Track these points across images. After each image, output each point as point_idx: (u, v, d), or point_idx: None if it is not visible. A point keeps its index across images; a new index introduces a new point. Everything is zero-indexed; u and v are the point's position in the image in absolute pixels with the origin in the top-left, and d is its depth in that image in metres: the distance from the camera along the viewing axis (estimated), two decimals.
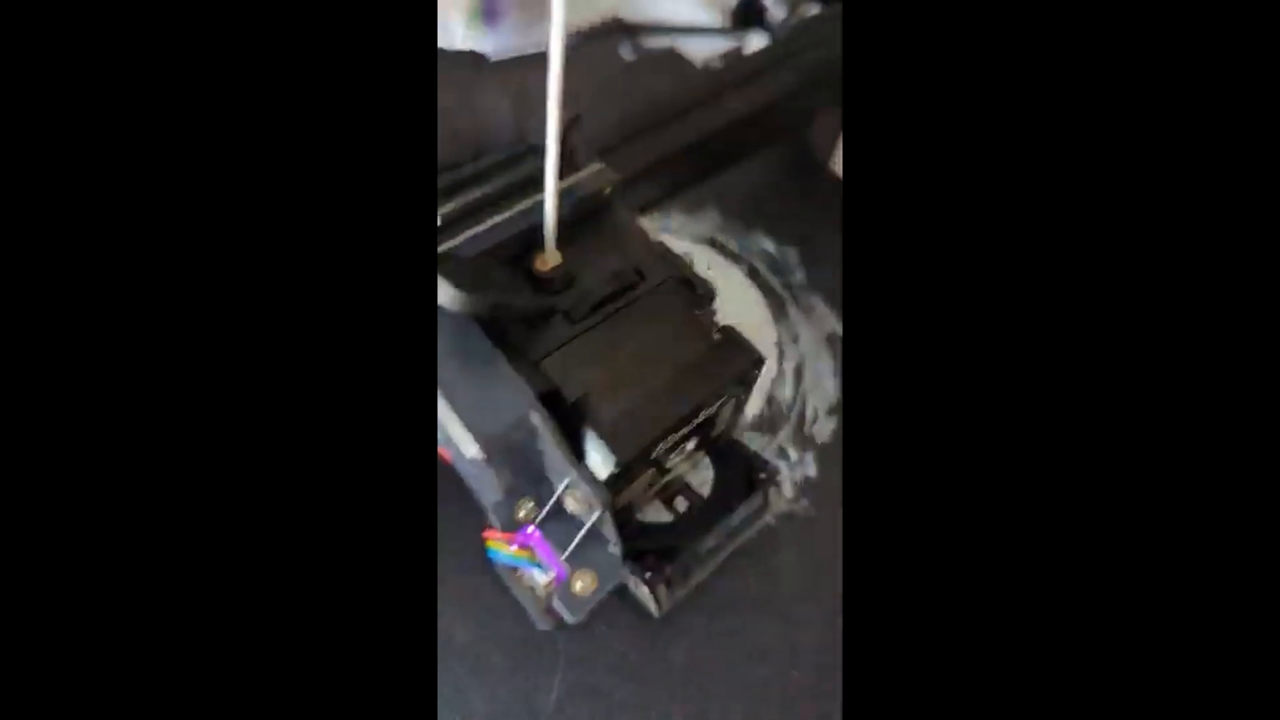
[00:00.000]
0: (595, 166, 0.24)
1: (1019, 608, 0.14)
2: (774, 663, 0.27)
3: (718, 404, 0.23)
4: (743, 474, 0.27)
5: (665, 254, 0.24)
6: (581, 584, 0.22)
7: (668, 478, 0.26)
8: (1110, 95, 0.14)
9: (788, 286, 0.39)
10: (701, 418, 0.23)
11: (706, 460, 0.27)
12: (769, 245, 0.40)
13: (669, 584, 0.25)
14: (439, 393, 0.20)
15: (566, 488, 0.21)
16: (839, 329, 0.36)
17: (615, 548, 0.22)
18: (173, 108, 0.14)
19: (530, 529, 0.22)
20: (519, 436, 0.21)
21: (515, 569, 0.23)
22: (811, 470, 0.31)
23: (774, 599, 0.28)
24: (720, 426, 0.25)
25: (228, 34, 0.15)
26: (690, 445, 0.24)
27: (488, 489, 0.23)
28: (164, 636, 0.14)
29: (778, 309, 0.38)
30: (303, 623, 0.14)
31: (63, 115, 0.14)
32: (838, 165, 0.50)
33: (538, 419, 0.20)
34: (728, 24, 0.57)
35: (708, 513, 0.26)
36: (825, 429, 0.33)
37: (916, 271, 0.15)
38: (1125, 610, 0.14)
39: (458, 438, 0.20)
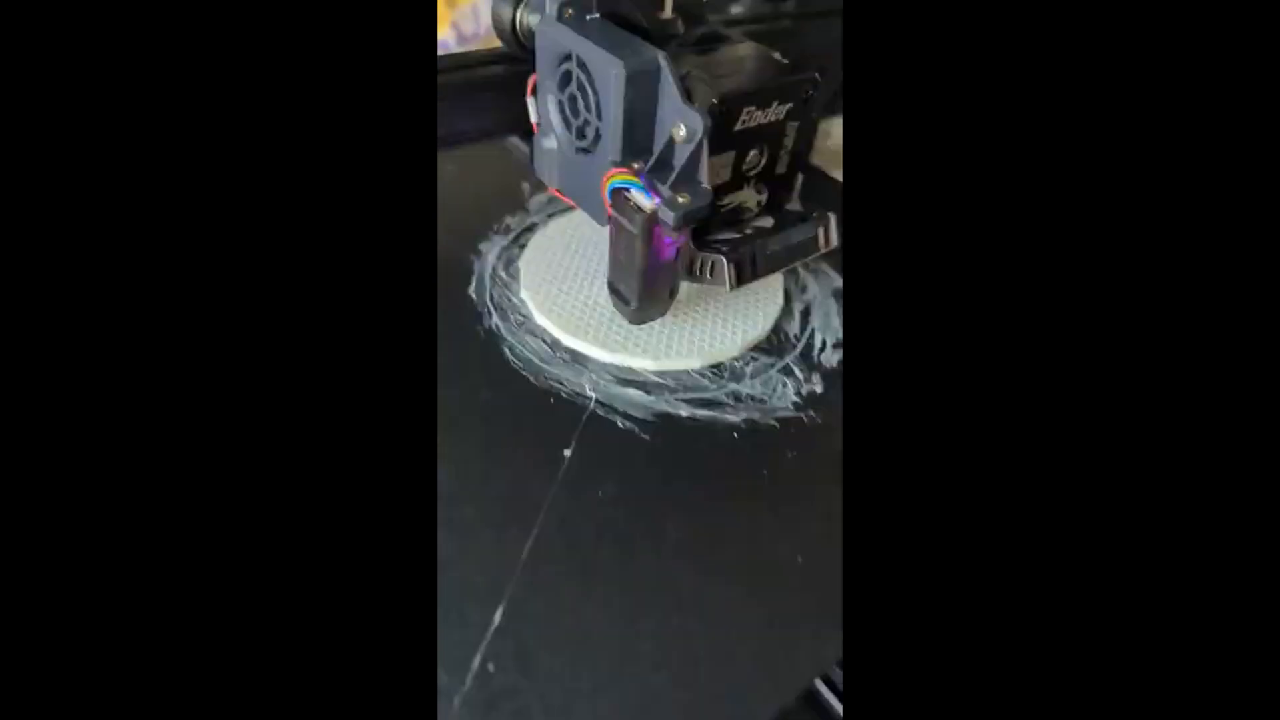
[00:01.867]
0: None
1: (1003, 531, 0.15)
2: (766, 543, 0.26)
3: (785, 112, 0.31)
4: (797, 218, 0.33)
5: (742, 35, 0.34)
6: (681, 199, 0.28)
7: (738, 198, 0.32)
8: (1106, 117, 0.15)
9: None
10: (770, 118, 0.30)
11: (769, 218, 0.34)
12: None
13: (740, 266, 0.31)
14: (589, 44, 0.29)
15: (678, 120, 0.28)
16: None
17: (705, 184, 0.28)
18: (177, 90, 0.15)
19: (641, 174, 0.29)
20: (646, 83, 0.28)
21: (628, 191, 0.29)
22: (819, 388, 0.33)
23: (776, 491, 0.28)
24: (785, 151, 0.32)
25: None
26: (762, 160, 0.32)
27: (608, 153, 0.30)
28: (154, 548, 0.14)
29: (789, 272, 0.39)
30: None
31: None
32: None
33: (663, 59, 0.28)
34: None
35: (771, 233, 0.32)
36: (832, 358, 0.34)
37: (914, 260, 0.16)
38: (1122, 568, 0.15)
39: (605, 64, 0.28)
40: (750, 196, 0.33)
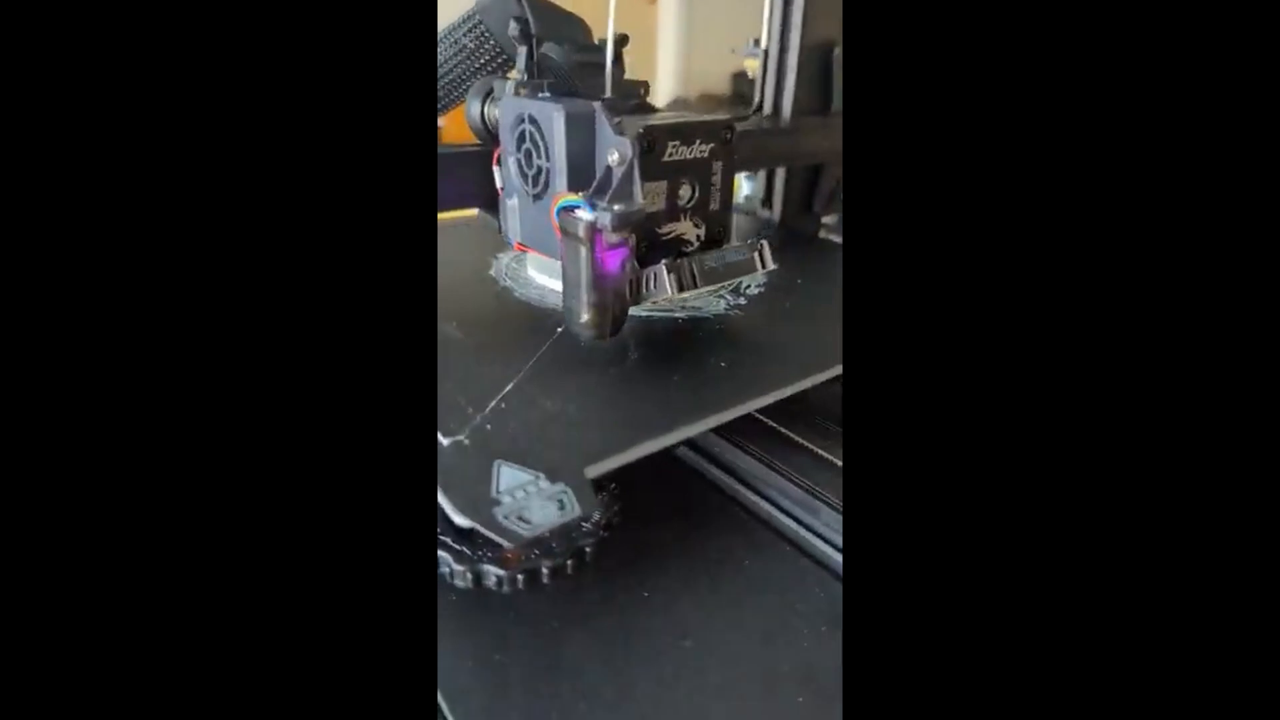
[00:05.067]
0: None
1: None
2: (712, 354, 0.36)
3: (709, 151, 0.36)
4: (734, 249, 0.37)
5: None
6: (616, 206, 0.32)
7: (677, 229, 0.36)
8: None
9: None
10: (695, 154, 0.35)
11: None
12: None
13: (679, 275, 0.34)
14: (538, 103, 0.34)
15: (611, 150, 0.33)
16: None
17: (639, 197, 0.33)
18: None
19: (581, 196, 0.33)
20: (584, 124, 0.34)
21: (573, 210, 0.33)
22: (743, 302, 0.43)
23: (719, 336, 0.39)
24: (715, 188, 0.37)
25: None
26: (694, 194, 0.36)
27: (556, 188, 0.34)
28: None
29: None
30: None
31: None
32: None
33: (597, 105, 0.34)
34: None
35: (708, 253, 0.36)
36: (753, 291, 0.45)
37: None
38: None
39: (549, 111, 0.33)
40: (689, 229, 0.37)
